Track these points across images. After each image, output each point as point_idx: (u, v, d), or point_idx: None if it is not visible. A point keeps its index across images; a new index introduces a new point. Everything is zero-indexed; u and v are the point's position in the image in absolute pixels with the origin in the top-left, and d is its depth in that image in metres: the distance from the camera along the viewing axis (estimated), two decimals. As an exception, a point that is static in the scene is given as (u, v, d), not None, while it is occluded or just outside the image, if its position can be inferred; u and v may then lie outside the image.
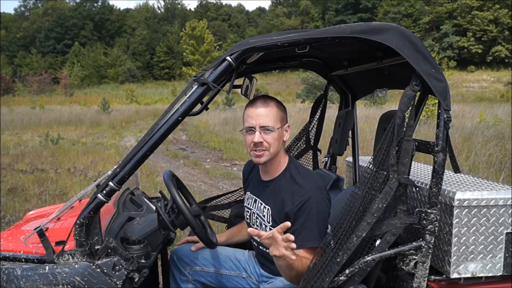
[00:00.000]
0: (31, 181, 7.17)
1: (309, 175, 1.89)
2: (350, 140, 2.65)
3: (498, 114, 14.02)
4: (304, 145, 2.83)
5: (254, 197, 1.99)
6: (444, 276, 1.78)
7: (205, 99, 1.68)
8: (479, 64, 53.21)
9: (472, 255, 1.74)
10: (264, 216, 1.88)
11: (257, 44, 1.59)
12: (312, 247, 1.71)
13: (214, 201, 2.70)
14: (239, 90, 2.08)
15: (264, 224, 1.88)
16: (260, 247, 1.96)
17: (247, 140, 1.83)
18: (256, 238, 1.97)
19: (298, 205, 1.73)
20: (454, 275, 1.74)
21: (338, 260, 1.57)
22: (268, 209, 1.87)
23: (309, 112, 2.86)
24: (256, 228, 1.94)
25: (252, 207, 1.98)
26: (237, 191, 2.73)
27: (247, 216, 2.03)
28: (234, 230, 2.29)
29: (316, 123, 2.81)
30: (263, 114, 1.78)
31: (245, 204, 2.08)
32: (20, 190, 6.66)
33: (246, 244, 2.22)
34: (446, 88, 1.61)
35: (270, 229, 1.84)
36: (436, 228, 1.63)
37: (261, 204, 1.92)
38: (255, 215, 1.95)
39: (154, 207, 2.25)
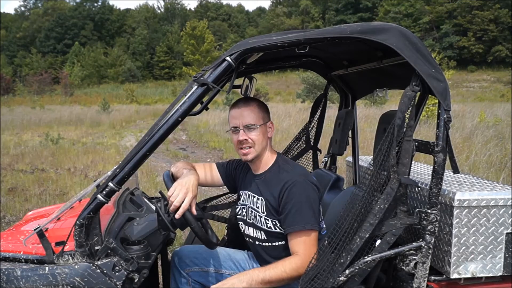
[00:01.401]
0: (31, 181, 7.17)
1: (296, 165, 2.03)
2: (350, 140, 2.65)
3: (498, 114, 14.03)
4: (304, 145, 2.83)
5: (248, 192, 2.03)
6: (444, 276, 1.78)
7: (205, 99, 1.68)
8: (480, 64, 53.23)
9: (472, 256, 1.74)
10: (258, 207, 1.93)
11: (257, 44, 1.59)
12: (303, 230, 1.75)
13: (214, 201, 2.70)
14: (239, 90, 2.09)
15: (259, 215, 1.92)
16: (257, 242, 1.97)
17: (233, 140, 1.93)
18: (251, 235, 1.99)
19: (286, 190, 1.80)
20: (454, 276, 1.74)
21: (342, 261, 1.57)
22: (261, 199, 1.91)
23: (309, 112, 2.86)
24: (252, 222, 1.97)
25: (247, 202, 2.02)
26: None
27: (243, 214, 2.05)
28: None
29: (316, 123, 2.81)
30: (245, 113, 1.88)
31: (240, 203, 2.09)
32: (20, 190, 6.66)
33: (246, 244, 2.22)
34: (446, 88, 1.61)
35: (265, 219, 1.88)
36: (436, 229, 1.63)
37: (254, 196, 1.97)
38: (250, 209, 1.99)
39: (154, 207, 2.25)
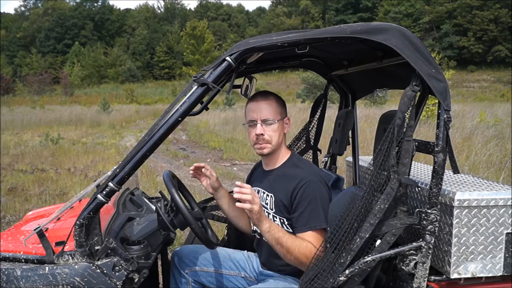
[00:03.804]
0: (31, 181, 7.17)
1: (310, 163, 2.04)
2: (350, 140, 2.65)
3: (498, 114, 14.03)
4: (304, 145, 2.83)
5: (257, 188, 2.03)
6: (444, 276, 1.78)
7: (205, 99, 1.68)
8: (480, 63, 53.19)
9: (472, 255, 1.74)
10: (266, 204, 1.93)
11: (257, 44, 1.59)
12: (320, 228, 1.76)
13: (214, 201, 2.68)
14: (239, 90, 2.09)
15: (267, 212, 1.92)
16: (263, 238, 1.96)
17: (250, 133, 1.92)
18: (258, 230, 1.97)
19: (300, 188, 1.79)
20: (454, 276, 1.74)
21: (342, 261, 1.57)
22: (271, 196, 1.91)
23: (309, 112, 2.85)
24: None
25: None
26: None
27: None
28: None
29: (316, 123, 2.81)
30: (263, 107, 1.87)
31: None
32: (20, 190, 6.66)
33: (246, 244, 2.22)
34: (446, 88, 1.61)
35: (273, 216, 1.89)
36: (436, 229, 1.63)
37: (264, 193, 1.97)
38: None
39: (154, 207, 2.25)
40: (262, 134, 1.86)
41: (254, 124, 1.88)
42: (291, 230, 1.84)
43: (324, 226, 1.77)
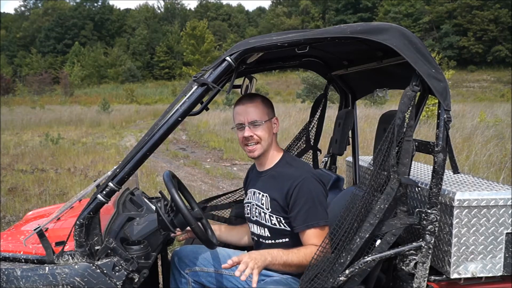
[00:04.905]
0: (31, 181, 7.17)
1: (303, 162, 2.09)
2: (350, 140, 2.65)
3: (498, 114, 14.04)
4: (304, 145, 2.82)
5: (253, 189, 2.03)
6: (444, 276, 1.78)
7: (205, 99, 1.68)
8: (480, 63, 53.20)
9: (472, 255, 1.74)
10: (263, 204, 1.93)
11: (257, 44, 1.59)
12: (318, 226, 1.77)
13: (214, 201, 2.70)
14: (239, 90, 2.09)
15: (263, 212, 1.92)
16: (261, 239, 1.97)
17: (239, 136, 1.94)
18: (256, 232, 2.00)
19: (296, 187, 1.80)
20: (454, 276, 1.74)
21: (342, 261, 1.57)
22: (266, 196, 1.92)
23: (309, 112, 2.85)
24: (256, 219, 1.97)
25: (251, 199, 2.02)
26: (237, 191, 2.73)
27: (247, 211, 2.05)
28: (225, 228, 2.29)
29: (316, 123, 2.80)
30: (250, 110, 1.89)
31: (244, 201, 2.10)
32: (20, 190, 6.66)
33: (245, 246, 2.22)
34: (446, 88, 1.61)
35: (270, 216, 1.89)
36: (436, 229, 1.63)
37: (259, 193, 1.97)
38: (254, 206, 1.98)
39: (154, 207, 2.25)
40: (251, 136, 1.88)
41: (242, 127, 1.90)
42: (289, 229, 1.85)
43: (323, 223, 1.77)
